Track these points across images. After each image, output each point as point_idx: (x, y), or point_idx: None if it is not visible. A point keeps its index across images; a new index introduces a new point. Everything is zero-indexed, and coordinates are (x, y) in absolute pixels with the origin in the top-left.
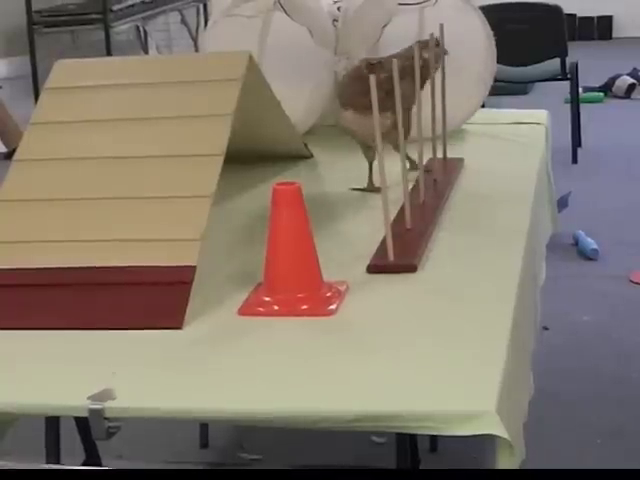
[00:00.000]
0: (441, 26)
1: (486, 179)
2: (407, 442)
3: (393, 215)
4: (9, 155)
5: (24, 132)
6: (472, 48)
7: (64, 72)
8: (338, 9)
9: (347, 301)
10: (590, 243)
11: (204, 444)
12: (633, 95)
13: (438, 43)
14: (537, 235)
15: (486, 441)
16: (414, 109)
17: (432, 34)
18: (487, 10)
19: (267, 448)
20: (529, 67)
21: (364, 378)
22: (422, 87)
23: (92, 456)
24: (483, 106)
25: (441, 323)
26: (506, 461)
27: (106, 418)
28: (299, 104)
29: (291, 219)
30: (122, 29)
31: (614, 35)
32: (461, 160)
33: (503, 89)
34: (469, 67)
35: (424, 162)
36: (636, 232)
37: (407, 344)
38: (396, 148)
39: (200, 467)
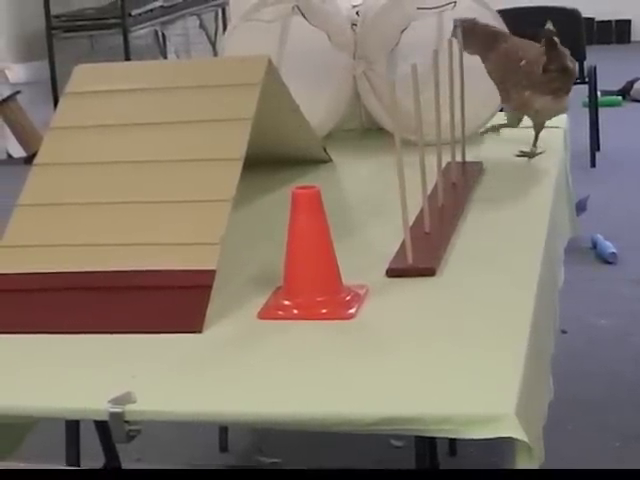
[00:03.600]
0: (459, 30)
1: (505, 183)
2: (426, 445)
3: (412, 219)
4: (28, 159)
5: (43, 136)
6: None
7: (84, 77)
8: (357, 13)
9: (366, 305)
10: (608, 247)
11: (223, 448)
12: None
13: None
14: (555, 239)
15: (505, 444)
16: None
17: (450, 40)
18: (505, 14)
19: (286, 452)
20: None
21: (383, 381)
22: None
23: (112, 459)
24: (501, 110)
25: (460, 326)
26: (525, 464)
27: (126, 421)
28: (318, 108)
29: (310, 223)
30: (140, 34)
31: (632, 39)
32: (480, 164)
33: None
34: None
35: (442, 166)
36: None
37: (426, 347)
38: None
39: None
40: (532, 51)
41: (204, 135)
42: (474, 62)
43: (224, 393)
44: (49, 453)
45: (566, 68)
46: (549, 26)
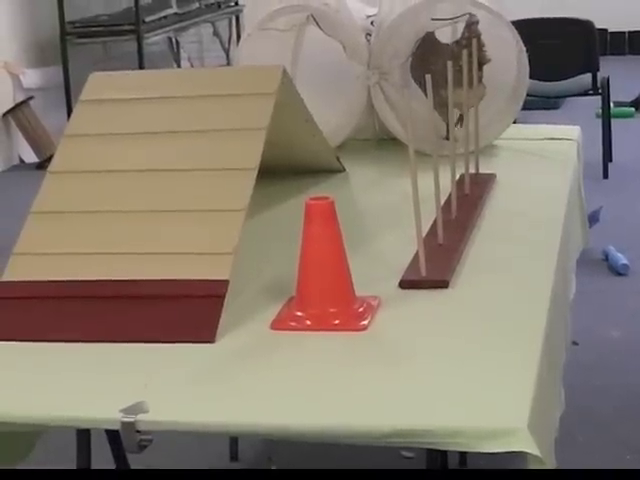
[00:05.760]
0: (474, 40)
1: (518, 194)
2: (437, 457)
3: (425, 230)
4: (41, 165)
5: (57, 144)
6: (505, 63)
7: (98, 84)
8: (371, 23)
9: (379, 316)
10: (620, 258)
11: (234, 457)
12: None
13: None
14: (568, 250)
15: (516, 456)
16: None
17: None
18: (519, 25)
19: (296, 462)
20: (561, 82)
21: (395, 393)
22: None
23: (122, 468)
24: (515, 121)
25: (473, 339)
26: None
27: (138, 431)
28: (332, 118)
29: (324, 234)
30: (154, 40)
31: None
32: (493, 175)
33: (535, 104)
34: (502, 82)
35: (456, 177)
36: None
37: (439, 360)
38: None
39: None
40: (444, 50)
41: (218, 144)
42: (488, 74)
43: (236, 404)
44: (60, 461)
45: (482, 61)
46: (473, 18)
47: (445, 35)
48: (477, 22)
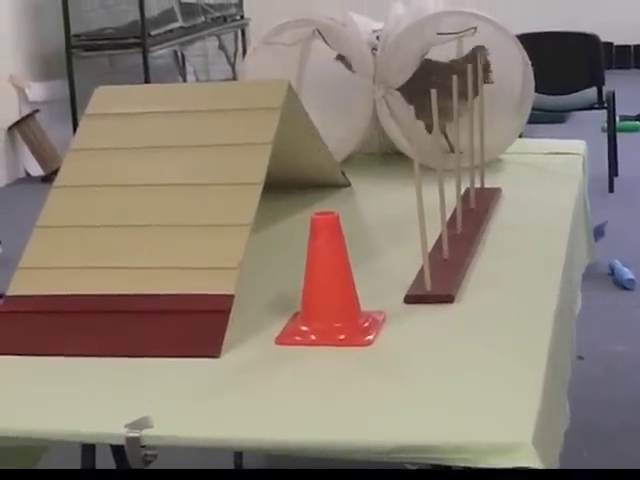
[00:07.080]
0: (479, 54)
1: (523, 209)
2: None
3: (430, 245)
4: (46, 178)
5: (63, 157)
6: (510, 77)
7: (104, 98)
8: (377, 38)
9: (384, 331)
10: (626, 273)
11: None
12: None
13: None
14: (573, 265)
15: None
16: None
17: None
18: (524, 39)
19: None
20: (566, 96)
21: (400, 409)
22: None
23: None
24: (520, 135)
25: (478, 354)
26: None
27: (143, 446)
28: (337, 132)
29: (329, 249)
30: (160, 54)
31: None
32: (498, 190)
33: (540, 118)
34: (507, 96)
35: (461, 192)
36: None
37: (444, 375)
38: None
39: None
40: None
41: (224, 159)
42: (491, 89)
43: (241, 419)
44: None
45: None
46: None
47: (450, 51)
48: (486, 50)
